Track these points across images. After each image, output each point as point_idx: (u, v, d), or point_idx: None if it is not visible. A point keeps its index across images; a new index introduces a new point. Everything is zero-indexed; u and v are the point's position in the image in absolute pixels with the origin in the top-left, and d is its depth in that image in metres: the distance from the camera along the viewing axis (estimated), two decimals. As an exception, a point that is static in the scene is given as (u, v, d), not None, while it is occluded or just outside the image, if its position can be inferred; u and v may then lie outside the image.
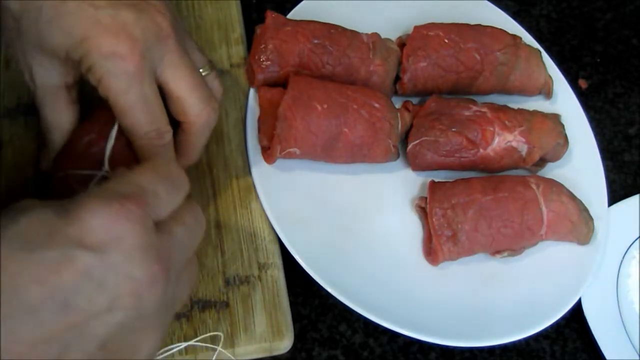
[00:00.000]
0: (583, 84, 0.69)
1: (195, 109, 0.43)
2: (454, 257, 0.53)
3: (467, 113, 0.56)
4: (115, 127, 0.43)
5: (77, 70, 0.42)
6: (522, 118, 0.57)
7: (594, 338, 0.53)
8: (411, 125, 0.56)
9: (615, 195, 0.62)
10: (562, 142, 0.58)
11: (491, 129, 0.56)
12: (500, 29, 0.60)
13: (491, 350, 0.53)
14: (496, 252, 0.54)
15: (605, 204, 0.59)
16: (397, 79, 0.59)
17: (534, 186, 0.54)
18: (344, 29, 0.57)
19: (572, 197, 0.55)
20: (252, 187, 0.52)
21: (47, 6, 0.38)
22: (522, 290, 0.54)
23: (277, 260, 0.50)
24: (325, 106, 0.52)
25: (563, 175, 0.58)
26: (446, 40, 0.58)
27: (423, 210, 0.54)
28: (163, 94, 0.43)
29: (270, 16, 0.55)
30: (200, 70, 0.45)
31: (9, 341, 0.28)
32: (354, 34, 0.57)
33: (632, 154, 0.66)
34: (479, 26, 0.60)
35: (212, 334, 0.46)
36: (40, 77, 0.42)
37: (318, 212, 0.53)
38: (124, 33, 0.38)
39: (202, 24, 0.59)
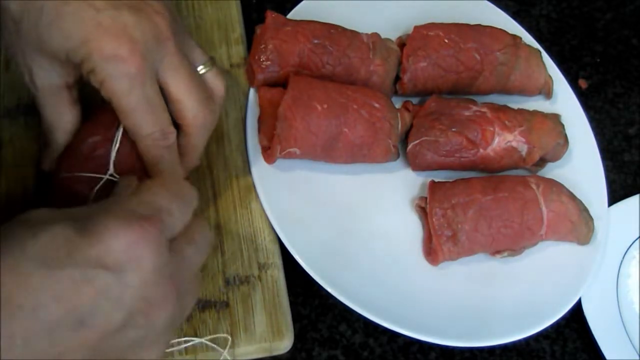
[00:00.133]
0: (583, 84, 0.69)
1: (193, 111, 0.43)
2: (454, 257, 0.53)
3: (467, 113, 0.56)
4: (121, 130, 0.43)
5: (78, 71, 0.42)
6: (522, 118, 0.57)
7: (594, 338, 0.53)
8: (411, 125, 0.56)
9: (615, 195, 0.62)
10: (562, 142, 0.58)
11: (491, 129, 0.56)
12: (500, 29, 0.60)
13: (491, 350, 0.53)
14: (496, 252, 0.54)
15: (605, 204, 0.59)
16: (397, 79, 0.59)
17: (534, 186, 0.54)
18: (344, 29, 0.57)
19: (572, 197, 0.55)
20: (252, 187, 0.52)
21: (47, 8, 0.38)
22: (522, 290, 0.54)
23: (277, 260, 0.50)
24: (325, 106, 0.52)
25: (563, 175, 0.58)
26: (446, 40, 0.58)
27: (423, 210, 0.55)
28: (164, 95, 0.43)
29: (270, 16, 0.55)
30: (201, 67, 0.45)
31: (25, 355, 0.29)
32: (354, 34, 0.57)
33: (632, 154, 0.66)
34: (479, 26, 0.60)
35: (222, 335, 0.46)
36: (40, 78, 0.42)
37: (318, 212, 0.53)
38: (125, 35, 0.38)
39: (202, 24, 0.59)
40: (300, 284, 0.52)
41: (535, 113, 0.59)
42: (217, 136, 0.54)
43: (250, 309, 0.48)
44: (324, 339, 0.52)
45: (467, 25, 0.60)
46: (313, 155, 0.53)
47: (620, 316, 0.55)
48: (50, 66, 0.41)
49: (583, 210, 0.55)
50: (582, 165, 0.61)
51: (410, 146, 0.56)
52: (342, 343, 0.52)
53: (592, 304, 0.55)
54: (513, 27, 0.65)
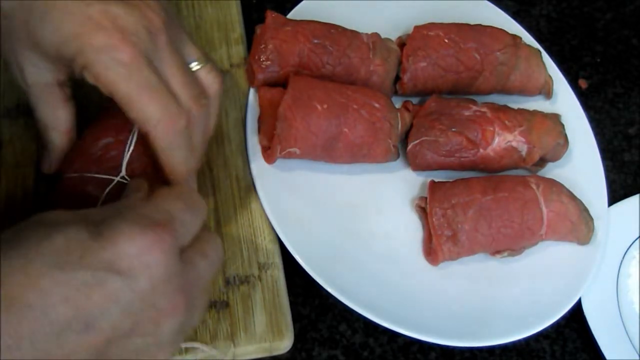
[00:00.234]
0: (583, 84, 0.69)
1: (184, 106, 0.42)
2: (454, 257, 0.53)
3: (467, 113, 0.56)
4: (136, 132, 0.42)
5: (68, 67, 0.41)
6: (522, 118, 0.57)
7: (594, 338, 0.53)
8: (411, 125, 0.56)
9: (615, 195, 0.62)
10: (562, 142, 0.58)
11: (491, 128, 0.56)
12: (500, 29, 0.60)
13: (491, 350, 0.53)
14: (496, 252, 0.54)
15: (605, 204, 0.59)
16: (397, 79, 0.59)
17: (534, 186, 0.54)
18: (344, 29, 0.57)
19: (572, 197, 0.55)
20: (252, 187, 0.52)
21: (37, 4, 0.38)
22: (522, 290, 0.54)
23: (277, 260, 0.50)
24: (325, 106, 0.52)
25: (563, 175, 0.58)
26: (446, 40, 0.58)
27: (423, 210, 0.55)
28: None
29: (270, 16, 0.55)
30: (195, 63, 0.43)
31: (30, 356, 0.29)
32: (354, 34, 0.57)
33: (632, 154, 0.66)
34: (479, 26, 0.60)
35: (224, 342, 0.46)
36: (31, 75, 0.42)
37: (318, 212, 0.53)
38: (115, 26, 0.38)
39: (202, 24, 0.59)
40: (300, 284, 0.52)
41: (535, 113, 0.59)
42: (217, 136, 0.54)
43: (250, 309, 0.48)
44: (324, 339, 0.52)
45: (467, 25, 0.60)
46: (313, 155, 0.53)
47: (620, 316, 0.55)
48: (40, 63, 0.41)
49: (583, 210, 0.55)
50: (582, 165, 0.61)
51: (410, 146, 0.56)
52: (342, 343, 0.52)
53: (592, 304, 0.55)
54: (513, 27, 0.65)
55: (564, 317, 0.53)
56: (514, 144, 0.56)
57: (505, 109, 0.58)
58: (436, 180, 0.55)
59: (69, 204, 0.37)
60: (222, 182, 0.52)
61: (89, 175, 0.42)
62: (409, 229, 0.55)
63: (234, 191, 0.52)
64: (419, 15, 0.62)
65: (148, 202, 0.36)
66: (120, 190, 0.41)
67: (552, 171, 0.59)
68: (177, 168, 0.42)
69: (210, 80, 0.44)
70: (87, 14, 0.38)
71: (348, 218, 0.54)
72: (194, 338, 0.45)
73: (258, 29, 0.56)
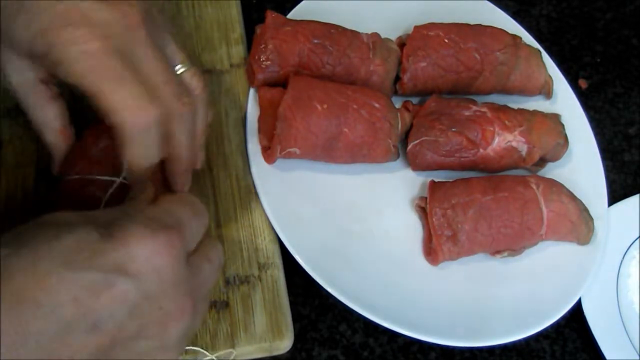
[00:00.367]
0: (583, 84, 0.69)
1: (166, 102, 0.40)
2: (454, 257, 0.53)
3: (467, 113, 0.56)
4: None
5: (46, 65, 0.40)
6: (522, 118, 0.57)
7: (594, 338, 0.53)
8: (411, 125, 0.56)
9: (615, 195, 0.62)
10: (562, 142, 0.58)
11: (491, 128, 0.56)
12: (500, 29, 0.60)
13: (491, 350, 0.53)
14: (496, 252, 0.54)
15: (605, 204, 0.59)
16: (397, 79, 0.59)
17: (534, 186, 0.54)
18: (344, 29, 0.57)
19: (572, 197, 0.55)
20: (252, 187, 0.52)
21: (10, 3, 0.37)
22: (522, 290, 0.54)
23: (277, 260, 0.50)
24: (325, 106, 0.52)
25: (563, 175, 0.58)
26: (446, 40, 0.58)
27: (423, 210, 0.55)
28: None
29: (270, 16, 0.55)
30: (179, 66, 0.42)
31: (35, 354, 0.29)
32: (354, 34, 0.57)
33: (632, 154, 0.66)
34: (479, 26, 0.60)
35: (227, 350, 0.46)
36: (14, 75, 0.41)
37: (318, 212, 0.53)
38: (84, 20, 0.37)
39: (202, 24, 0.59)
40: (300, 284, 0.52)
41: (535, 113, 0.59)
42: (217, 136, 0.54)
43: (250, 309, 0.48)
44: (324, 339, 0.52)
45: (467, 25, 0.60)
46: (313, 155, 0.53)
47: (620, 316, 0.55)
48: (19, 61, 0.40)
49: (583, 210, 0.55)
50: (582, 165, 0.61)
51: (410, 146, 0.56)
52: (342, 343, 0.52)
53: (592, 304, 0.55)
54: (513, 27, 0.65)
55: (564, 317, 0.53)
56: (514, 144, 0.56)
57: (505, 109, 0.58)
58: (436, 180, 0.55)
59: (71, 205, 0.37)
60: (222, 182, 0.52)
61: (91, 176, 0.42)
62: (409, 229, 0.55)
63: (234, 191, 0.52)
64: (419, 15, 0.62)
65: (156, 206, 0.36)
66: (122, 192, 0.41)
67: (552, 171, 0.59)
68: (137, 162, 0.40)
69: (194, 84, 0.43)
70: (57, 10, 0.37)
71: (348, 218, 0.54)
72: (194, 339, 0.45)
73: (258, 29, 0.56)
